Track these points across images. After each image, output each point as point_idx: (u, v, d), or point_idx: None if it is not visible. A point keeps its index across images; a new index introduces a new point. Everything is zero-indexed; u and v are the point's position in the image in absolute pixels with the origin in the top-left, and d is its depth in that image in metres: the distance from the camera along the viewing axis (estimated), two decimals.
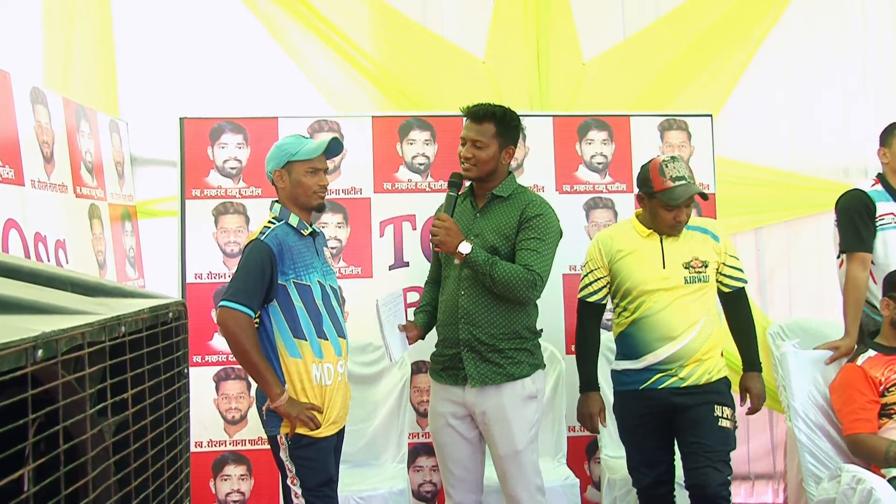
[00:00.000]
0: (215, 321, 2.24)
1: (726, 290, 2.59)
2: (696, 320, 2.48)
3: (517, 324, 2.47)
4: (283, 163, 2.35)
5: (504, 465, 2.49)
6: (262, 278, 2.23)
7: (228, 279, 3.21)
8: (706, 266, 2.50)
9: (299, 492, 2.28)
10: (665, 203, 2.47)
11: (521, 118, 3.49)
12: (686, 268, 2.48)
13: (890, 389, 2.73)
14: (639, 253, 2.53)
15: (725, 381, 2.55)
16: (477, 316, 2.45)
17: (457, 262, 2.43)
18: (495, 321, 2.45)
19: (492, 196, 2.52)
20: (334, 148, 2.40)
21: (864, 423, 2.72)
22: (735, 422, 2.50)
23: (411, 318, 2.68)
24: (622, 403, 2.63)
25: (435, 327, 2.61)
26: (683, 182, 2.45)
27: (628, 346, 2.57)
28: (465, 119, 2.52)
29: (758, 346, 2.65)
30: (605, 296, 2.62)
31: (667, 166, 2.47)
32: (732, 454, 2.49)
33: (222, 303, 2.22)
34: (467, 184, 2.62)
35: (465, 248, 2.37)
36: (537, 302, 3.41)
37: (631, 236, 2.58)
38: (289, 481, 2.29)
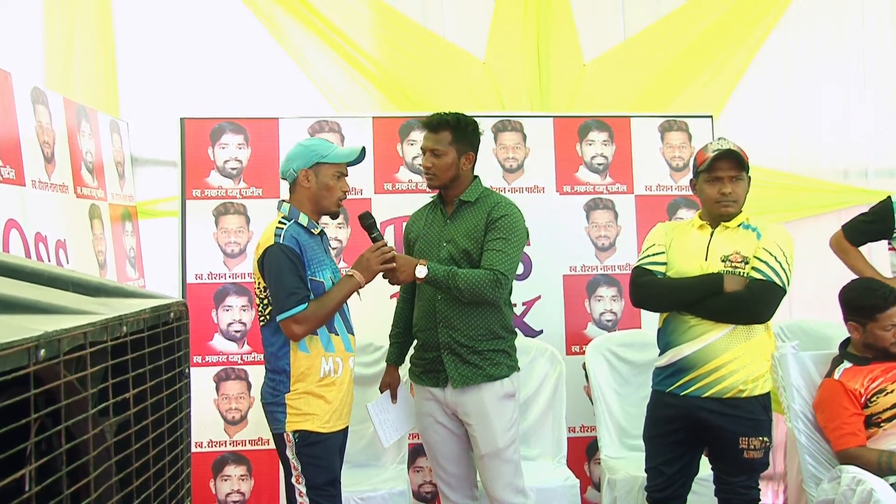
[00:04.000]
0: (288, 336, 2.28)
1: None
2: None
3: (493, 323, 2.52)
4: (312, 163, 2.35)
5: (486, 465, 2.53)
6: (296, 273, 2.25)
7: (228, 279, 3.26)
8: (746, 262, 2.34)
9: (304, 490, 2.28)
10: (709, 176, 2.40)
11: (523, 119, 3.51)
12: (724, 261, 2.37)
13: (872, 400, 2.72)
14: (687, 243, 2.47)
15: (762, 400, 2.38)
16: (455, 319, 2.50)
17: (419, 282, 2.47)
18: (472, 323, 2.50)
19: (459, 202, 2.57)
20: (361, 157, 2.43)
21: (852, 437, 2.70)
22: (768, 444, 2.38)
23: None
24: (651, 402, 2.56)
25: (413, 332, 2.66)
26: (724, 149, 2.38)
27: (660, 340, 2.51)
28: (423, 130, 2.59)
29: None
30: (662, 265, 2.47)
31: (711, 143, 2.46)
32: None
33: (280, 318, 2.23)
34: (436, 192, 2.68)
35: (421, 272, 2.40)
36: (538, 303, 3.41)
37: (685, 227, 2.53)
38: (293, 479, 2.29)
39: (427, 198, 2.77)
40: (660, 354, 2.51)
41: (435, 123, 2.54)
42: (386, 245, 2.40)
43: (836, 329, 3.69)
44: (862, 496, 2.40)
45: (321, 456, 2.30)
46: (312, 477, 2.28)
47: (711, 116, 3.55)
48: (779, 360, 3.26)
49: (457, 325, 2.49)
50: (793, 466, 3.20)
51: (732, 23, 3.80)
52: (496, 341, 2.52)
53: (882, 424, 2.70)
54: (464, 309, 2.49)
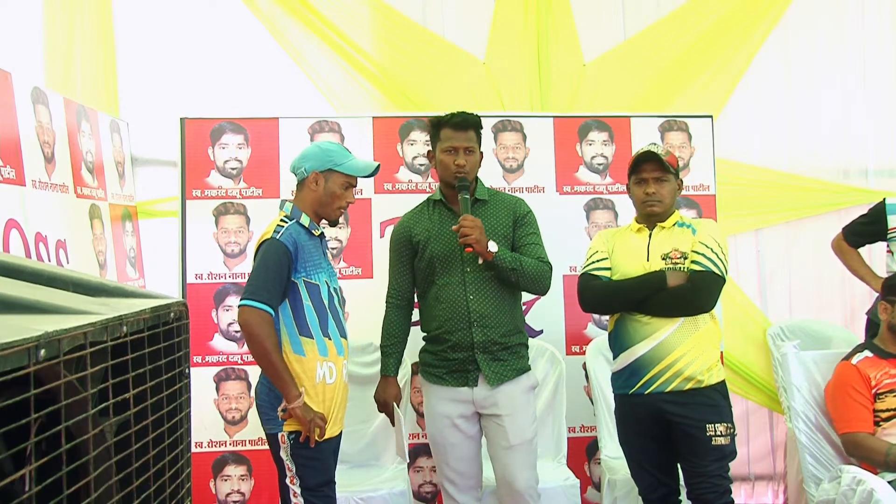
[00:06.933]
0: (233, 320, 2.23)
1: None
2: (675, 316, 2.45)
3: (518, 320, 2.63)
4: (326, 167, 2.35)
5: (512, 457, 2.55)
6: (280, 277, 2.23)
7: (229, 279, 3.26)
8: (685, 258, 2.45)
9: (298, 491, 2.26)
10: (636, 178, 2.52)
11: (523, 119, 3.52)
12: (664, 259, 2.45)
13: (880, 396, 2.72)
14: (628, 246, 2.55)
15: (719, 388, 2.46)
16: (490, 317, 2.53)
17: (482, 261, 2.48)
18: (504, 320, 2.55)
19: (474, 200, 2.60)
20: (374, 173, 2.45)
21: (861, 422, 2.71)
22: (733, 431, 2.43)
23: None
24: (617, 408, 2.63)
25: (437, 335, 2.61)
26: (645, 151, 2.50)
27: (613, 344, 2.58)
28: (443, 128, 2.59)
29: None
30: (607, 269, 2.55)
31: (641, 148, 2.55)
32: None
33: (243, 301, 2.21)
34: (435, 190, 2.71)
35: (493, 246, 2.46)
36: (538, 303, 3.42)
37: (624, 232, 2.62)
38: (288, 480, 2.28)
39: (423, 198, 2.77)
40: (614, 358, 2.58)
41: (465, 122, 2.57)
42: (471, 216, 2.46)
43: (837, 329, 3.71)
44: (862, 496, 2.40)
45: (316, 457, 2.28)
46: (307, 478, 2.27)
47: (711, 116, 3.54)
48: (780, 360, 3.27)
49: (491, 323, 2.53)
50: (793, 466, 3.20)
51: (732, 23, 3.81)
52: (519, 335, 2.62)
53: (881, 423, 2.71)
54: (497, 306, 2.54)
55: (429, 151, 2.71)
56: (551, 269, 2.58)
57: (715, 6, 3.80)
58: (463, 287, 2.54)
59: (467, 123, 2.57)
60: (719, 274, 2.42)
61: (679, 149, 3.48)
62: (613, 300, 2.52)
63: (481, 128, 2.64)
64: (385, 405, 2.65)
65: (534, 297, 3.36)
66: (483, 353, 2.52)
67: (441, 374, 2.59)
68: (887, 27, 3.96)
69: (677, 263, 2.45)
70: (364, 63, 3.68)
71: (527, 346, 2.65)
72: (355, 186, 2.43)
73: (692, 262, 2.43)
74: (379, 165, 2.45)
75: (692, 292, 2.41)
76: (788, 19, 3.86)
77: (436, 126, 2.62)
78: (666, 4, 3.85)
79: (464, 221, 2.44)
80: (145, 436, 1.16)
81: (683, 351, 2.41)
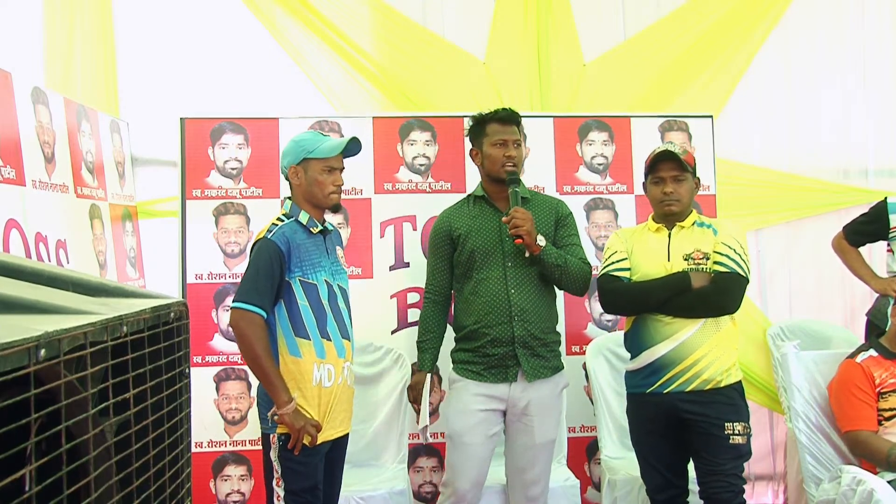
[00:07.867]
0: (227, 322, 2.21)
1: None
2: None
3: (555, 318, 2.66)
4: (300, 159, 2.32)
5: (535, 455, 2.59)
6: (272, 277, 2.20)
7: (229, 279, 3.26)
8: (707, 258, 2.44)
9: (282, 494, 2.23)
10: (653, 177, 2.52)
11: (523, 119, 3.52)
12: (686, 259, 2.45)
13: (884, 395, 2.73)
14: (648, 246, 2.54)
15: (737, 388, 2.46)
16: (530, 312, 2.55)
17: (528, 254, 2.49)
18: (543, 316, 2.58)
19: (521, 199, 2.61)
20: (353, 148, 2.39)
21: (865, 420, 2.72)
22: (749, 431, 2.43)
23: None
24: (630, 407, 2.61)
25: (476, 329, 2.58)
26: (663, 150, 2.50)
27: (631, 343, 2.56)
28: (490, 124, 2.61)
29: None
30: (627, 270, 2.54)
31: (658, 147, 2.54)
32: None
33: (234, 304, 2.19)
34: (475, 187, 2.71)
35: (542, 240, 2.48)
36: None
37: (643, 232, 2.61)
38: (274, 482, 2.25)
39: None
40: (631, 358, 2.56)
41: (511, 117, 2.62)
42: (522, 209, 2.47)
43: (837, 329, 3.71)
44: (862, 496, 2.40)
45: (303, 462, 2.23)
46: (291, 482, 2.23)
47: (711, 116, 3.54)
48: (780, 360, 3.27)
49: (531, 318, 2.54)
50: (793, 466, 3.21)
51: (732, 23, 3.81)
52: (555, 334, 2.64)
53: (883, 423, 2.71)
54: (537, 302, 2.56)
55: (472, 149, 2.70)
56: (591, 270, 2.60)
57: (715, 6, 3.80)
58: (504, 281, 2.54)
59: (513, 118, 2.62)
60: (744, 275, 2.42)
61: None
62: (636, 301, 2.51)
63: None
64: (412, 388, 2.66)
65: None
66: (523, 347, 2.53)
67: (479, 370, 2.57)
68: (887, 27, 3.96)
69: (700, 264, 2.44)
70: (364, 63, 3.68)
71: (560, 344, 2.68)
72: (342, 169, 2.39)
73: (715, 262, 2.43)
74: (353, 138, 2.38)
75: (717, 293, 2.41)
76: (788, 19, 3.86)
77: (479, 123, 2.63)
78: (666, 4, 3.85)
79: (515, 213, 2.45)
80: (145, 436, 1.16)
81: (705, 351, 2.41)
